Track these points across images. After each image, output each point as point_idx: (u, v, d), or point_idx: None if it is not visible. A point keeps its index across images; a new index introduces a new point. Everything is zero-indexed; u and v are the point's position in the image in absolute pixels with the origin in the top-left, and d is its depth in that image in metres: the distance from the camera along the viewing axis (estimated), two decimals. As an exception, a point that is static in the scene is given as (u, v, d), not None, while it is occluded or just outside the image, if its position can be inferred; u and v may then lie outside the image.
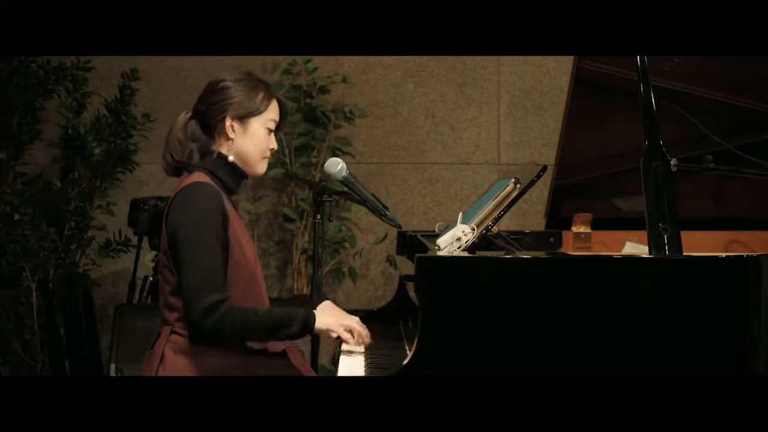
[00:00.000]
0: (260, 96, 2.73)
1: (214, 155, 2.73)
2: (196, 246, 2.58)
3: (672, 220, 2.58)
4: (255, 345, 2.68)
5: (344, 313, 2.83)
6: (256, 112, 2.73)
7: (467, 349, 2.44)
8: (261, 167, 2.78)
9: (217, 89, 2.73)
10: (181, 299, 2.63)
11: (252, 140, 2.74)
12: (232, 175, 2.74)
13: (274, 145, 2.79)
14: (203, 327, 2.56)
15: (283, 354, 2.75)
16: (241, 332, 2.61)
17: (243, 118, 2.72)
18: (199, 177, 2.69)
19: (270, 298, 2.84)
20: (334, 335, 2.75)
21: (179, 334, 2.64)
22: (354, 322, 2.78)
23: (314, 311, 2.71)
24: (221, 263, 2.61)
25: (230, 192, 2.75)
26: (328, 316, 2.74)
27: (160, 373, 2.63)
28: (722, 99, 3.27)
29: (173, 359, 2.63)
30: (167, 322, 2.68)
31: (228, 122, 2.71)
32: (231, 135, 2.72)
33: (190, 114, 2.76)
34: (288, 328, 2.64)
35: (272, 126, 2.77)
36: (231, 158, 2.72)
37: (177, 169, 2.75)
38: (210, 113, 2.72)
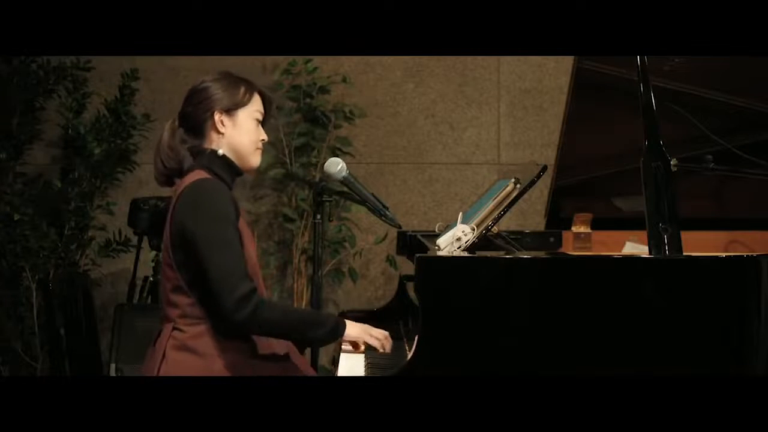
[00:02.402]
0: (242, 89, 2.77)
1: (208, 152, 2.74)
2: (218, 239, 2.58)
3: (672, 220, 2.58)
4: (264, 348, 2.68)
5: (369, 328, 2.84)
6: (241, 104, 2.76)
7: (467, 349, 2.45)
8: (255, 158, 2.80)
9: (200, 89, 2.76)
10: (184, 296, 2.63)
11: (242, 131, 2.76)
12: (228, 170, 2.75)
13: (264, 136, 2.81)
14: (238, 317, 2.54)
15: (286, 357, 2.75)
16: (273, 325, 2.60)
17: (230, 110, 2.74)
18: (201, 174, 2.69)
19: None
20: (362, 346, 2.78)
21: (181, 331, 2.64)
22: (379, 332, 2.80)
23: (344, 320, 2.73)
24: (243, 253, 2.61)
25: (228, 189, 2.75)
26: (358, 328, 2.76)
27: (162, 371, 2.63)
28: (722, 99, 3.27)
29: (175, 356, 2.63)
30: (169, 319, 2.68)
31: (217, 117, 2.73)
32: (221, 129, 2.74)
33: (176, 121, 2.78)
34: (318, 330, 2.66)
35: (259, 117, 2.80)
36: (221, 151, 2.73)
37: (169, 177, 2.77)
38: (197, 112, 2.75)
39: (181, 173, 2.74)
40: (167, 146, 2.75)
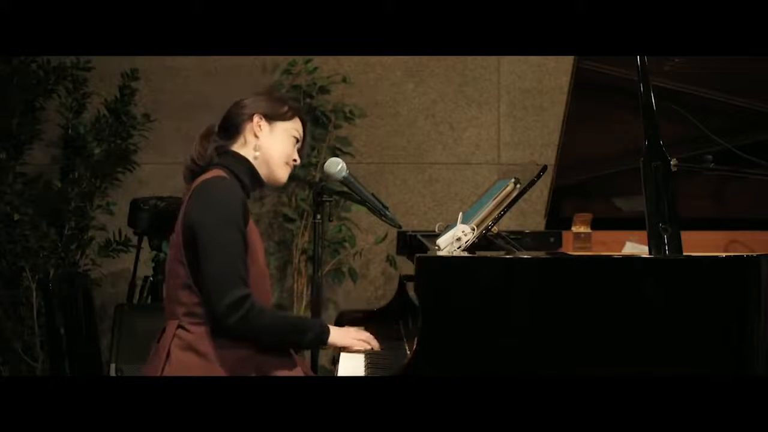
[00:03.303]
0: (286, 107, 2.82)
1: (234, 155, 2.75)
2: (221, 241, 2.58)
3: (672, 220, 2.58)
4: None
5: (353, 331, 2.89)
6: (282, 117, 2.79)
7: (467, 349, 2.45)
8: (282, 172, 2.81)
9: (246, 98, 2.82)
10: (192, 294, 2.62)
11: (277, 141, 2.78)
12: (249, 176, 2.76)
13: (297, 157, 2.84)
14: (228, 322, 2.56)
15: (290, 354, 2.75)
16: (261, 332, 2.61)
17: (270, 118, 2.78)
18: (218, 173, 2.70)
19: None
20: (354, 347, 2.81)
21: (186, 330, 2.64)
22: (364, 334, 2.84)
23: (329, 326, 2.75)
24: (244, 258, 2.62)
25: (245, 194, 2.75)
26: (342, 332, 2.80)
27: (166, 371, 2.62)
28: (722, 99, 3.27)
29: (180, 357, 2.62)
30: (174, 316, 2.67)
31: (256, 119, 2.76)
32: (258, 132, 2.76)
33: (216, 125, 2.82)
34: (304, 336, 2.69)
35: (297, 136, 2.83)
36: (257, 153, 2.75)
37: (196, 173, 2.77)
38: (237, 114, 2.79)
39: (204, 172, 2.75)
40: (199, 143, 2.78)
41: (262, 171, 2.79)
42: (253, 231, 2.72)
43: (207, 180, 2.67)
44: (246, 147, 2.77)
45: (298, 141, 2.83)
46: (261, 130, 2.77)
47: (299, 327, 2.71)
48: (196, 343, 2.62)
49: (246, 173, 2.75)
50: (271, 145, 2.78)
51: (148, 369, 2.70)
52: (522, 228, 3.96)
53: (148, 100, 5.02)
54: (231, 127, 2.78)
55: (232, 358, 2.61)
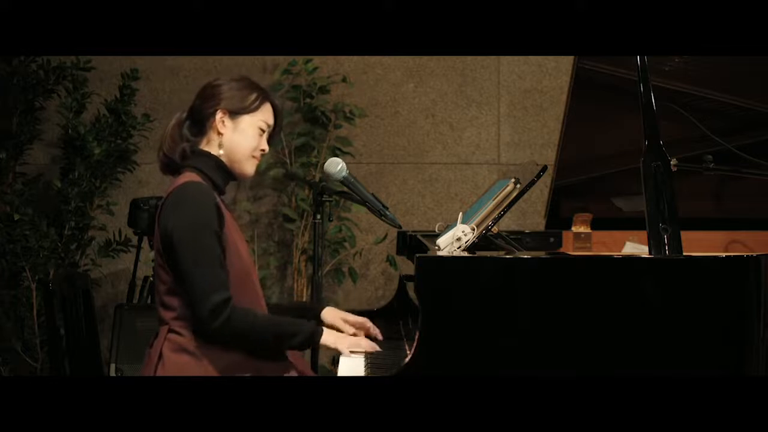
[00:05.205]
0: (254, 95, 2.76)
1: (204, 155, 2.74)
2: (197, 247, 2.58)
3: (672, 220, 2.58)
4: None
5: (346, 335, 2.84)
6: (248, 110, 2.75)
7: (467, 349, 2.45)
8: (249, 166, 2.78)
9: (212, 85, 2.78)
10: (177, 298, 2.63)
11: (242, 137, 2.75)
12: (220, 174, 2.75)
13: (265, 146, 2.80)
14: (211, 327, 2.57)
15: (284, 356, 2.74)
16: (247, 334, 2.61)
17: (234, 113, 2.74)
18: (191, 177, 2.69)
19: (267, 303, 2.85)
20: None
21: (177, 333, 2.64)
22: (358, 339, 2.80)
23: (321, 327, 2.73)
24: (222, 261, 2.61)
25: (219, 192, 2.75)
26: (335, 336, 2.76)
27: (159, 373, 2.63)
28: (722, 99, 3.27)
29: (172, 358, 2.63)
30: (164, 322, 2.67)
31: (219, 116, 2.73)
32: (221, 129, 2.74)
33: (185, 114, 2.79)
34: (293, 339, 2.67)
35: (264, 127, 2.78)
36: (221, 151, 2.73)
37: (169, 165, 2.76)
38: (203, 107, 2.75)
39: (178, 168, 2.74)
40: (169, 135, 2.76)
41: (229, 165, 2.77)
42: (232, 229, 2.71)
43: (179, 186, 2.66)
44: (210, 145, 2.76)
45: (264, 131, 2.79)
46: (224, 126, 2.74)
47: (287, 329, 2.68)
48: (187, 344, 2.63)
49: (217, 173, 2.74)
50: (235, 141, 2.74)
51: (143, 373, 2.70)
52: (522, 228, 3.96)
53: (148, 100, 5.02)
54: (198, 121, 2.76)
55: (224, 359, 2.62)
